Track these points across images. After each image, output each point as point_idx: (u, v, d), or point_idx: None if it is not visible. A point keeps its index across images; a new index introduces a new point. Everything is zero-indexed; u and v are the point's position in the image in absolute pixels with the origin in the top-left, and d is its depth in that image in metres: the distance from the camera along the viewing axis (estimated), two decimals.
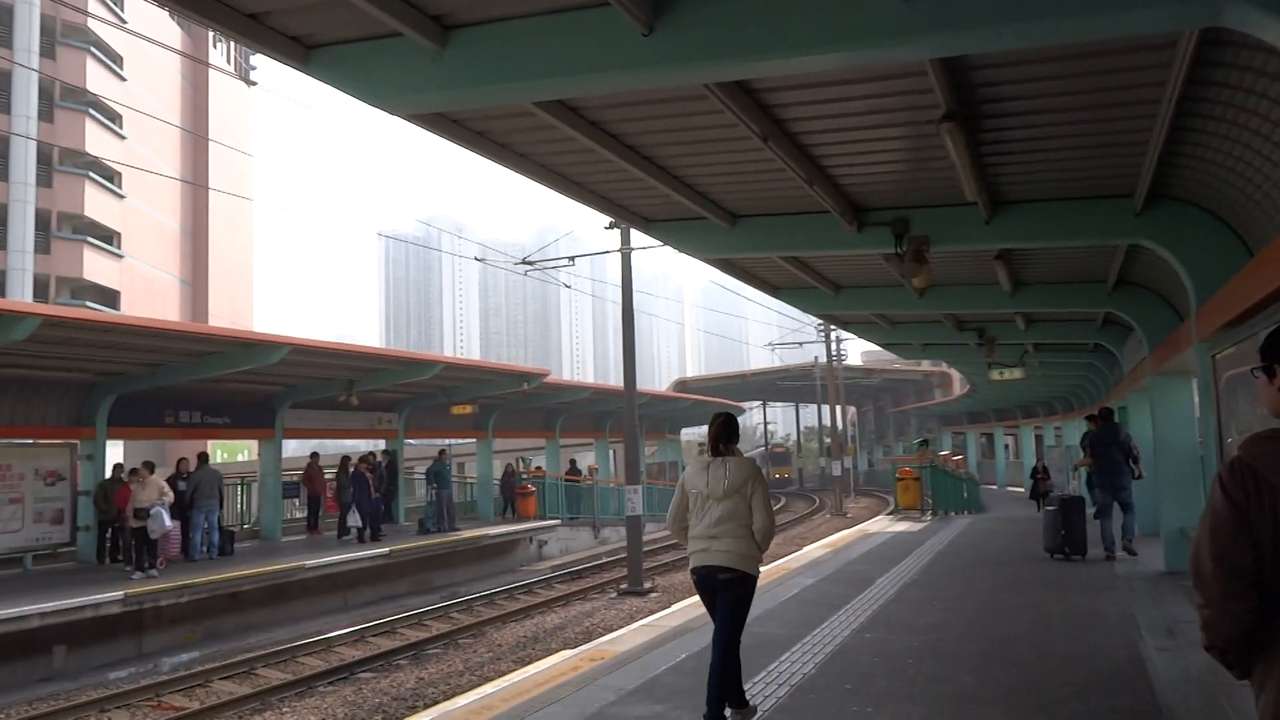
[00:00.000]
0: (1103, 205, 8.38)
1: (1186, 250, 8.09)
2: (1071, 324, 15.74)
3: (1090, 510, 12.70)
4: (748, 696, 5.45)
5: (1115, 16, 4.06)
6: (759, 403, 71.24)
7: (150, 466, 14.42)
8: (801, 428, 77.35)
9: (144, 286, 40.46)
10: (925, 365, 51.07)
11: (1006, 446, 43.95)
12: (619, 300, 18.67)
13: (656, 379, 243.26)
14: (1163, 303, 11.34)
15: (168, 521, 14.22)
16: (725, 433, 5.18)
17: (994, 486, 38.73)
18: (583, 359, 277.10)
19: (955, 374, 42.74)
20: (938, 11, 4.23)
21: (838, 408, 44.85)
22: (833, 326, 35.18)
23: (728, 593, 5.03)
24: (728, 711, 5.09)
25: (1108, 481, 12.00)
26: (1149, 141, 6.64)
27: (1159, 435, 11.91)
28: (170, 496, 14.41)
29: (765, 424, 76.23)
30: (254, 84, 49.75)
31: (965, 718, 5.37)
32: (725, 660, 4.98)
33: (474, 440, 27.83)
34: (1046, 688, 6.06)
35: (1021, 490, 24.78)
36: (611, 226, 18.34)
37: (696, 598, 10.67)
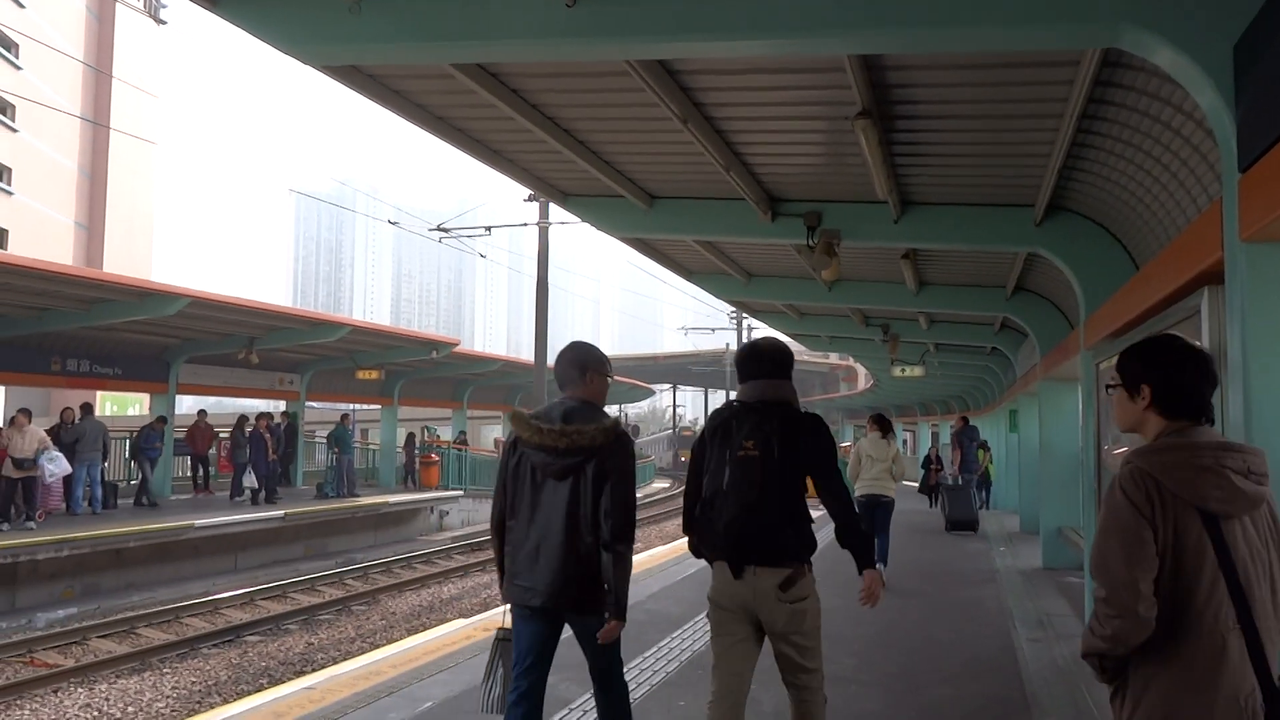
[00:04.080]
0: (1005, 213, 8.66)
1: (1080, 262, 8.43)
2: (971, 326, 16.27)
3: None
4: (639, 670, 5.66)
5: (1020, 30, 4.20)
6: (669, 386, 71.71)
7: (27, 414, 13.77)
8: (709, 412, 78.14)
9: (35, 227, 38.35)
10: (833, 358, 52.11)
11: (905, 442, 45.28)
12: (535, 274, 18.56)
13: None
14: (1056, 311, 11.81)
15: (67, 465, 13.93)
16: (882, 426, 10.09)
17: None
18: (495, 331, 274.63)
19: (860, 369, 43.74)
20: (856, 9, 4.31)
21: None
22: (744, 314, 35.59)
23: (884, 508, 9.83)
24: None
25: (970, 469, 17.90)
26: (1050, 155, 6.88)
27: (1045, 439, 12.48)
28: (50, 448, 13.83)
29: (675, 407, 76.89)
30: (164, 23, 47.34)
31: (844, 698, 5.55)
32: (886, 537, 9.88)
33: (379, 407, 27.38)
34: (923, 673, 6.32)
35: (914, 485, 25.50)
36: (530, 199, 18.21)
37: None
